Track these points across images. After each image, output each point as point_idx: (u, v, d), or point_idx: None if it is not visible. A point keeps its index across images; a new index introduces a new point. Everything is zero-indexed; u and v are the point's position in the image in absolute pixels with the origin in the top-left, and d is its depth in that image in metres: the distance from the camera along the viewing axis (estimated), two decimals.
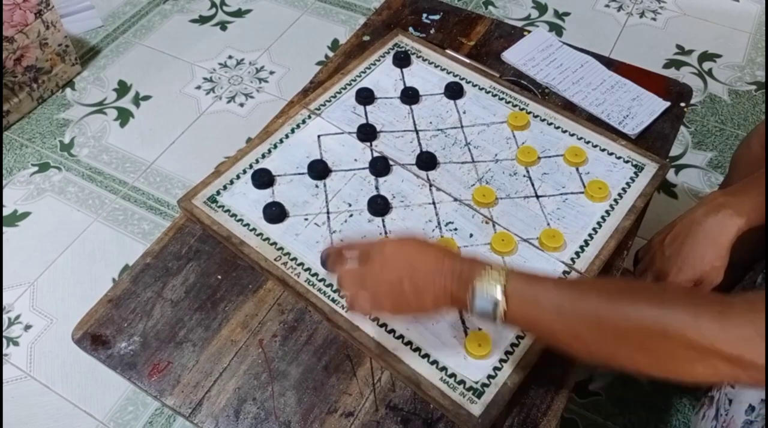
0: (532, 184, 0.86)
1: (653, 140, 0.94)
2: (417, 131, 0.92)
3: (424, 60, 1.02)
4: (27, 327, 1.32)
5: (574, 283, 0.61)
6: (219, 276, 0.79)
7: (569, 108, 0.98)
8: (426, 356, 0.70)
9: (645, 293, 0.57)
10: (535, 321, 0.59)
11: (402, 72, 1.00)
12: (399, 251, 0.64)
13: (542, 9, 1.96)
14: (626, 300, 0.56)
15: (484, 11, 1.96)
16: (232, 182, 0.86)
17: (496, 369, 0.69)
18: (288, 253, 0.78)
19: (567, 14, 1.95)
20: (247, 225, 0.81)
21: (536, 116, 0.94)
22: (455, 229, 0.81)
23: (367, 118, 0.94)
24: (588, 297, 0.57)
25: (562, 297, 0.58)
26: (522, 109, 0.94)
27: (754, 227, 0.76)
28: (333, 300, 0.74)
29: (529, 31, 1.09)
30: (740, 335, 0.51)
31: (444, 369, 0.69)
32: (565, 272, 0.77)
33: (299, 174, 0.87)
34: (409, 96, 0.95)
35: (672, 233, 0.81)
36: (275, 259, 0.78)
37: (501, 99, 0.96)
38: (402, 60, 1.00)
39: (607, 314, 0.56)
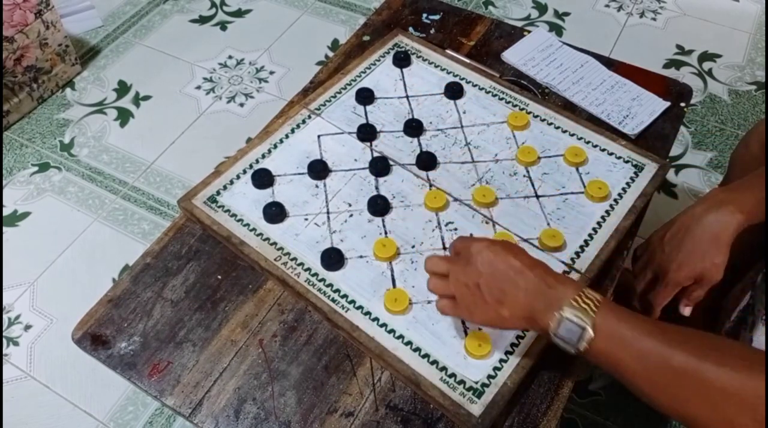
0: (532, 184, 0.86)
1: (653, 140, 0.94)
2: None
3: (424, 60, 1.02)
4: (27, 327, 1.32)
5: (664, 331, 0.58)
6: (219, 276, 0.79)
7: (569, 108, 0.98)
8: (426, 356, 0.70)
9: (728, 356, 0.54)
10: (617, 362, 0.57)
11: (402, 72, 1.00)
12: (484, 252, 0.63)
13: (542, 9, 1.97)
14: (712, 360, 0.53)
15: (484, 11, 1.96)
16: (232, 182, 0.86)
17: (496, 369, 0.69)
18: (288, 253, 0.78)
19: (567, 14, 1.95)
20: (247, 225, 0.81)
21: (536, 116, 0.94)
22: (455, 229, 0.81)
23: (367, 118, 0.94)
24: (677, 352, 0.55)
25: (651, 344, 0.55)
26: (522, 109, 0.94)
27: (754, 226, 0.76)
28: (333, 301, 0.74)
29: (529, 31, 1.09)
30: None
31: (444, 369, 0.69)
32: (565, 272, 0.77)
33: (299, 174, 0.87)
34: (413, 127, 0.91)
35: (672, 230, 0.80)
36: (275, 259, 0.78)
37: (501, 99, 0.96)
38: (402, 60, 1.00)
39: (692, 373, 0.53)
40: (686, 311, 0.87)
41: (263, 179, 0.85)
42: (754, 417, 0.50)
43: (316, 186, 0.86)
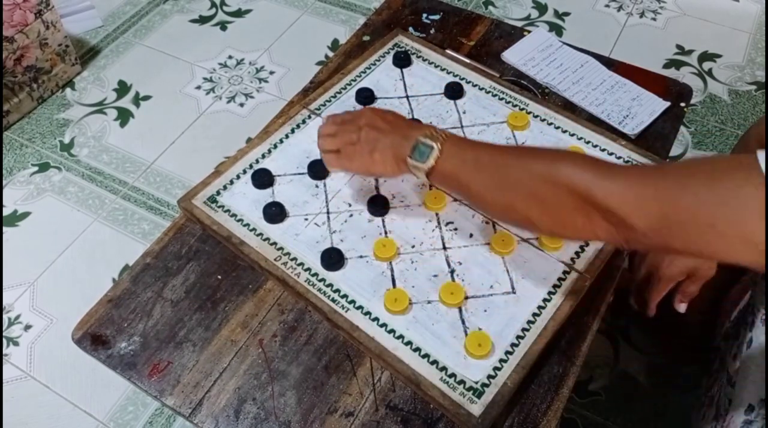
0: None
1: (653, 140, 0.94)
2: None
3: (424, 60, 1.02)
4: (27, 327, 1.32)
5: (500, 147, 0.72)
6: (219, 276, 0.79)
7: (569, 108, 0.98)
8: (426, 356, 0.70)
9: (551, 153, 0.65)
10: (458, 173, 0.67)
11: (402, 72, 1.00)
12: (366, 112, 0.76)
13: (542, 9, 1.97)
14: (532, 157, 0.64)
15: (484, 11, 1.96)
16: (232, 182, 0.86)
17: (496, 369, 0.69)
18: (288, 253, 0.78)
19: (567, 14, 1.95)
20: (247, 225, 0.81)
21: (536, 116, 0.94)
22: (455, 229, 0.81)
23: None
24: (503, 154, 0.66)
25: (484, 153, 0.67)
26: (522, 109, 0.94)
27: None
28: (333, 301, 0.74)
29: (529, 31, 1.09)
30: (616, 188, 0.55)
31: (444, 369, 0.69)
32: (564, 272, 0.77)
33: (299, 174, 0.87)
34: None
35: None
36: (275, 259, 0.78)
37: (501, 99, 0.96)
38: (402, 60, 1.00)
39: (513, 165, 0.64)
40: (681, 307, 0.87)
41: (263, 179, 0.85)
42: (570, 191, 0.58)
43: (316, 186, 0.86)
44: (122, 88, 1.77)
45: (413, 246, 0.80)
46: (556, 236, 0.63)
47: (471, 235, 0.81)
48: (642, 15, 1.94)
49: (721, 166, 0.52)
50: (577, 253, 0.79)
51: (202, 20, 1.96)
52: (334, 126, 0.77)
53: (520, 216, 0.63)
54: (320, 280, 0.76)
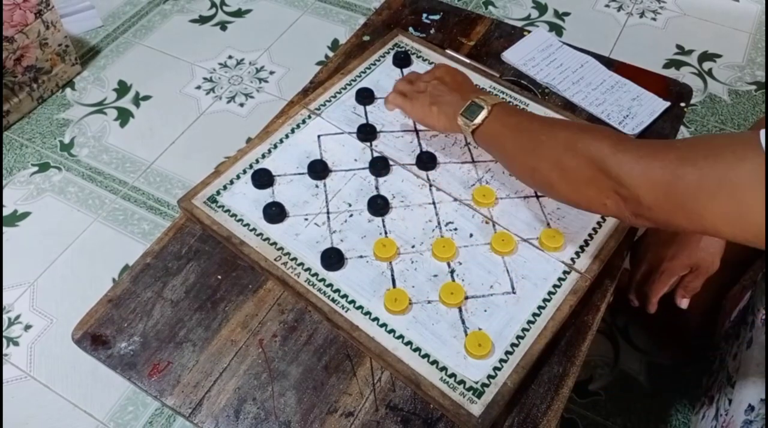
0: None
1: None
2: (417, 131, 0.92)
3: (424, 60, 1.02)
4: (27, 327, 1.32)
5: (540, 117, 0.78)
6: (219, 276, 0.79)
7: (569, 108, 0.98)
8: (426, 356, 0.70)
9: (579, 125, 0.70)
10: (497, 134, 0.73)
11: (402, 72, 1.00)
12: (443, 66, 0.85)
13: (542, 9, 1.97)
14: (563, 127, 0.69)
15: (484, 11, 1.96)
16: (232, 182, 0.86)
17: (496, 369, 0.69)
18: (288, 253, 0.78)
19: (567, 14, 1.95)
20: (247, 225, 0.81)
21: None
22: (455, 229, 0.81)
23: (367, 118, 0.94)
24: (540, 122, 0.71)
25: (525, 119, 0.72)
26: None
27: None
28: (333, 301, 0.74)
29: (529, 31, 1.09)
30: (627, 161, 0.58)
31: (444, 369, 0.69)
32: (564, 272, 0.77)
33: (299, 174, 0.87)
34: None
35: None
36: (275, 259, 0.78)
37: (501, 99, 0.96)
38: (402, 60, 1.00)
39: (545, 132, 0.67)
40: (683, 303, 0.87)
41: (263, 179, 0.85)
42: (588, 161, 0.61)
43: (316, 186, 0.86)
44: (122, 88, 1.77)
45: (413, 247, 0.80)
46: (570, 204, 0.66)
47: (471, 235, 0.81)
48: (642, 15, 1.94)
49: (724, 142, 0.54)
50: (577, 253, 0.79)
51: (202, 20, 1.96)
52: (414, 75, 0.86)
53: (542, 179, 0.67)
54: (320, 280, 0.76)
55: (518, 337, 0.72)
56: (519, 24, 1.84)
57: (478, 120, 0.74)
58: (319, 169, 0.86)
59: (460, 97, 0.78)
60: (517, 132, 0.71)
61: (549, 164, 0.66)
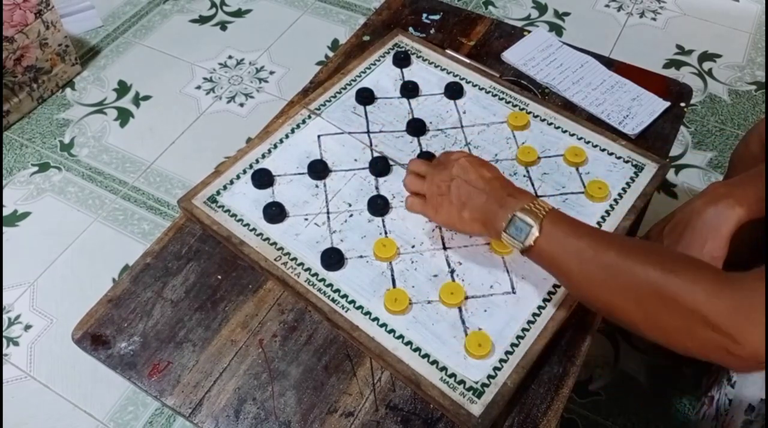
0: (532, 184, 0.86)
1: (653, 140, 0.94)
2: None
3: (424, 60, 1.02)
4: (27, 327, 1.32)
5: (601, 234, 0.69)
6: (219, 276, 0.79)
7: (569, 108, 0.98)
8: (426, 356, 0.70)
9: (655, 256, 0.61)
10: (557, 260, 0.64)
11: (402, 72, 1.00)
12: (461, 160, 0.72)
13: (542, 9, 1.97)
14: (638, 259, 0.60)
15: (484, 11, 1.96)
16: (232, 182, 0.86)
17: (496, 369, 0.69)
18: (288, 253, 0.78)
19: (567, 14, 1.95)
20: (247, 225, 0.81)
21: (536, 116, 0.94)
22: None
23: (367, 118, 0.94)
24: (609, 251, 0.62)
25: (586, 243, 0.63)
26: (522, 109, 0.94)
27: (754, 224, 0.75)
28: (333, 301, 0.74)
29: (529, 31, 1.09)
30: (728, 306, 0.54)
31: (444, 369, 0.69)
32: None
33: (299, 174, 0.87)
34: (409, 89, 0.96)
35: (671, 223, 0.80)
36: (275, 259, 0.78)
37: (501, 99, 0.96)
38: (402, 60, 1.00)
39: (620, 267, 0.60)
40: None
41: (263, 179, 0.85)
42: (676, 307, 0.56)
43: (316, 186, 0.86)
44: (122, 88, 1.76)
45: (413, 246, 0.80)
46: (656, 341, 0.61)
47: (471, 235, 0.81)
48: (642, 15, 1.94)
49: None
50: None
51: (202, 20, 1.96)
52: (424, 166, 0.75)
53: (621, 316, 0.61)
54: (320, 280, 0.76)
55: (518, 337, 0.72)
56: (519, 24, 1.84)
57: (530, 241, 0.65)
58: (319, 169, 0.86)
59: (496, 203, 0.68)
60: (583, 261, 0.62)
61: (629, 305, 0.59)
